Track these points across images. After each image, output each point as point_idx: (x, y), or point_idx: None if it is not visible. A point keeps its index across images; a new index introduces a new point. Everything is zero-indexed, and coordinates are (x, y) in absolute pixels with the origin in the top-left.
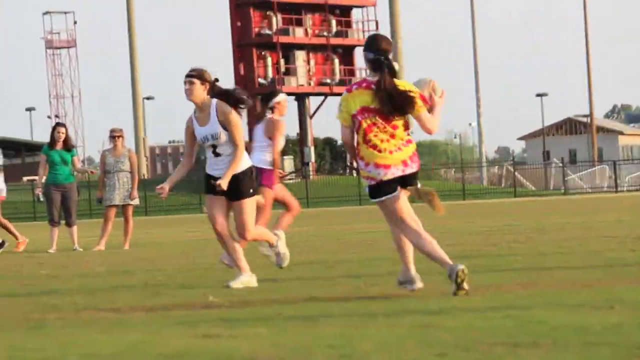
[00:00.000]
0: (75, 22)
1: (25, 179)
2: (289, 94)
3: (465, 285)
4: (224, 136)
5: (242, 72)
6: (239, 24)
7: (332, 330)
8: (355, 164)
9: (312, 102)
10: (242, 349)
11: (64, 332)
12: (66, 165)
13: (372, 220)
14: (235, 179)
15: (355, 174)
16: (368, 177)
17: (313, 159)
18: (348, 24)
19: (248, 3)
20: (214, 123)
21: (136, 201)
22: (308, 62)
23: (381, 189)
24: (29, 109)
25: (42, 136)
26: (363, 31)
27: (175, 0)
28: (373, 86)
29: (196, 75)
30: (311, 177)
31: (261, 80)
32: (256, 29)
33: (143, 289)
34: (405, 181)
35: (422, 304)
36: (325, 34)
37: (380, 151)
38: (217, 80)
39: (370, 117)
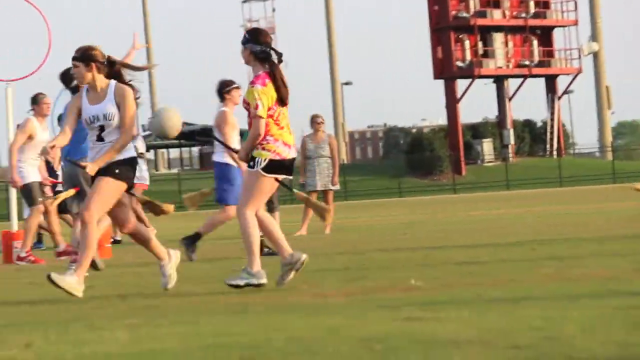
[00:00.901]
0: (274, 10)
1: None
2: (487, 76)
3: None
4: (117, 118)
5: (439, 55)
6: (436, 7)
7: (534, 312)
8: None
9: (511, 84)
10: (444, 331)
11: (268, 316)
12: None
13: (573, 202)
14: (111, 162)
15: (555, 155)
16: (275, 151)
17: (512, 141)
18: (546, 5)
19: None
20: (109, 102)
21: (337, 186)
22: (506, 44)
23: (281, 167)
24: None
25: (243, 123)
26: (562, 12)
27: None
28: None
29: (79, 57)
30: (511, 159)
31: (459, 64)
32: (453, 12)
33: (344, 273)
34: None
35: (627, 285)
36: (523, 15)
37: (284, 131)
38: (111, 60)
39: (278, 107)
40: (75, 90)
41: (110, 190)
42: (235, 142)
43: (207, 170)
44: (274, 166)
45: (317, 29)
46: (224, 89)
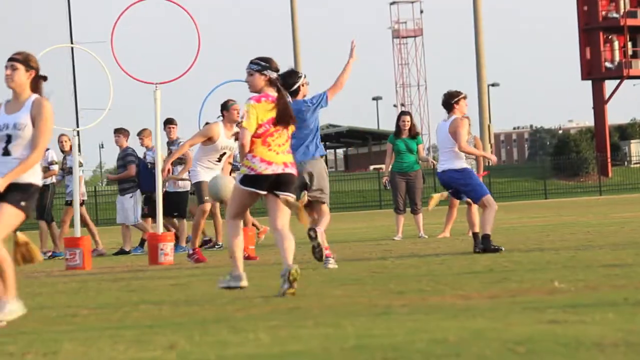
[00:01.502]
0: (421, 11)
1: (371, 167)
2: (636, 77)
3: (295, 285)
4: (28, 131)
5: (588, 56)
6: (585, 8)
7: None
8: (240, 164)
9: None
10: (589, 334)
11: (410, 318)
12: (412, 154)
13: None
14: (14, 184)
15: None
16: (250, 167)
17: None
18: None
19: None
20: (24, 113)
21: None
22: None
23: (254, 182)
24: (376, 98)
25: (388, 125)
26: None
27: None
28: (273, 101)
29: (21, 59)
30: None
31: (608, 65)
32: (603, 13)
33: (488, 275)
34: (278, 185)
35: None
36: None
37: (270, 150)
38: (44, 77)
39: (272, 126)
40: None
41: (10, 220)
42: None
43: (353, 172)
44: (248, 180)
45: (464, 30)
46: (453, 99)
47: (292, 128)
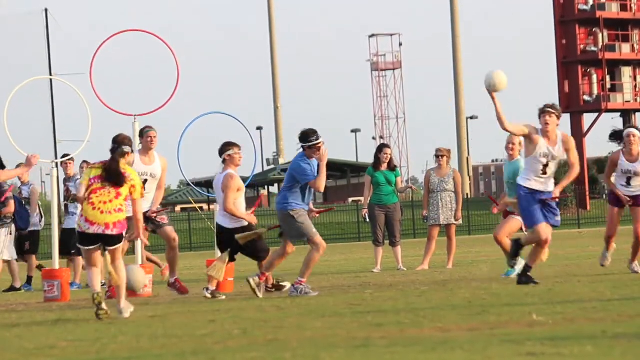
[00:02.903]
0: (400, 44)
1: (350, 199)
2: (614, 110)
3: (104, 306)
4: None
5: (566, 89)
6: (564, 41)
7: None
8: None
9: (638, 119)
10: None
11: (389, 350)
12: (390, 186)
13: None
14: None
15: None
16: (79, 225)
17: None
18: None
19: (573, 20)
20: None
21: (459, 221)
22: (634, 78)
23: (86, 239)
24: (354, 131)
25: (366, 157)
26: None
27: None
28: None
29: None
30: None
31: (586, 98)
32: (582, 46)
33: (467, 308)
34: (108, 241)
35: None
36: None
37: (94, 209)
38: None
39: (99, 182)
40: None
41: None
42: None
43: (331, 204)
44: (79, 237)
45: (443, 63)
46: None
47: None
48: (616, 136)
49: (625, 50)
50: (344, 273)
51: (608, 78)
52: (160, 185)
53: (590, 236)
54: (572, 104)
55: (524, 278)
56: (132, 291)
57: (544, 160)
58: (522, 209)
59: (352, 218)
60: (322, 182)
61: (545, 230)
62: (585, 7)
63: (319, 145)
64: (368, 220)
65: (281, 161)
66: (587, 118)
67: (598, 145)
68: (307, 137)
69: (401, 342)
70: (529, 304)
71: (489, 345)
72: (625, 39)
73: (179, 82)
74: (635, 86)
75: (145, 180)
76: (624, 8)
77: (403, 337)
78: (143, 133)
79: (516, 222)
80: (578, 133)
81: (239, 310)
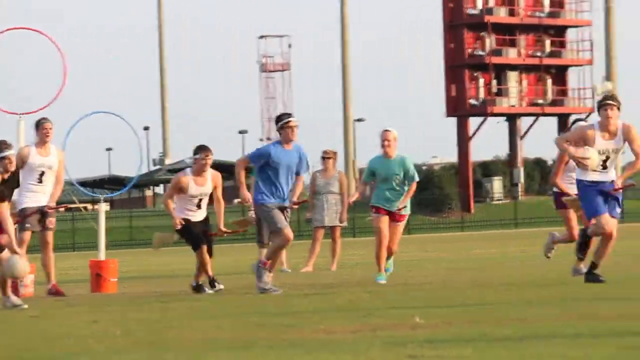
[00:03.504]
0: (289, 46)
1: (235, 201)
2: (500, 114)
3: None
4: None
5: (453, 93)
6: (452, 45)
7: (539, 350)
8: None
9: (524, 123)
10: None
11: (273, 352)
12: None
13: None
14: None
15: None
16: None
17: (522, 179)
18: (562, 44)
19: (462, 25)
20: None
21: (345, 223)
22: (520, 83)
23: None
24: (242, 132)
25: None
26: (577, 51)
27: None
28: None
29: None
30: (520, 197)
31: (472, 102)
32: (469, 50)
33: (349, 310)
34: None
35: (629, 324)
36: (538, 54)
37: None
38: None
39: None
40: None
41: None
42: None
43: None
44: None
45: (332, 65)
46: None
47: None
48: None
49: (512, 54)
50: (232, 274)
51: (495, 82)
52: (59, 180)
53: (473, 239)
54: (458, 107)
55: (591, 276)
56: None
57: (603, 157)
58: (583, 201)
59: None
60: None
61: (608, 222)
62: (474, 12)
63: (290, 123)
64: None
65: (167, 161)
66: (473, 122)
67: (483, 149)
68: (280, 119)
69: (284, 343)
70: (413, 307)
71: (371, 346)
72: (512, 43)
73: (66, 81)
74: (521, 90)
75: (43, 173)
76: (511, 13)
77: (286, 339)
78: (39, 125)
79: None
80: (464, 136)
81: (122, 312)
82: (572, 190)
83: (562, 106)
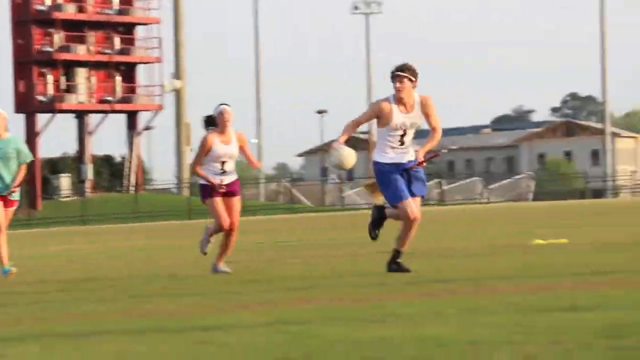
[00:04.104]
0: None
1: None
2: (68, 111)
3: None
4: None
5: (21, 89)
6: (20, 41)
7: (106, 347)
8: None
9: (94, 120)
10: None
11: None
12: None
13: (147, 238)
14: None
15: (133, 191)
16: None
17: (91, 176)
18: (131, 42)
19: (29, 20)
20: None
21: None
22: (89, 80)
23: None
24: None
25: None
26: (146, 49)
27: None
28: None
29: None
30: (88, 194)
31: (41, 98)
32: (37, 46)
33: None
34: None
35: (200, 320)
36: (108, 51)
37: None
38: None
39: None
40: None
41: None
42: None
43: None
44: None
45: None
46: None
47: None
48: (209, 121)
49: (81, 51)
50: None
51: (63, 79)
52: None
53: (43, 236)
54: (26, 104)
55: (394, 266)
56: None
57: (400, 132)
58: (383, 185)
59: None
60: None
61: (413, 208)
62: (42, 8)
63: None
64: None
65: None
66: (42, 118)
67: (52, 145)
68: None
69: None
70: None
71: None
72: (82, 40)
73: None
74: (90, 87)
75: None
76: (81, 10)
77: None
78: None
79: None
80: (32, 133)
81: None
82: (216, 179)
83: (131, 103)
